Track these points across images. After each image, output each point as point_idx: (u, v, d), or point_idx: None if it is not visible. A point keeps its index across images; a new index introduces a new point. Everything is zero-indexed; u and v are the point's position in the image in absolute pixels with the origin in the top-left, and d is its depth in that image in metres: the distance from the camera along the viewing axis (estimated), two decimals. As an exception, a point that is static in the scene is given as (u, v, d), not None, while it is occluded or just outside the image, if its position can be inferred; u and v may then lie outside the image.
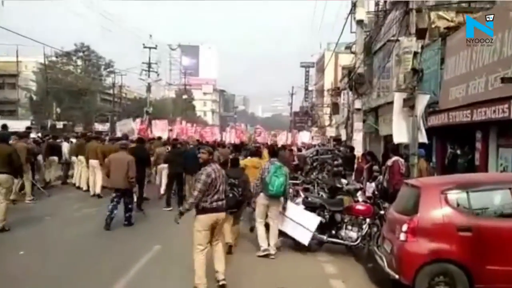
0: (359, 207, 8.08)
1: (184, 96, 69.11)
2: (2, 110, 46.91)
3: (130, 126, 26.04)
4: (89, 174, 14.08)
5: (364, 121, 18.78)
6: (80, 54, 58.14)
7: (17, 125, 24.28)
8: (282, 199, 7.98)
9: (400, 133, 9.26)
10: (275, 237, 7.90)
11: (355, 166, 14.74)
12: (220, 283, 6.10)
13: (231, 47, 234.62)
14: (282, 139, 31.19)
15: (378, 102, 20.06)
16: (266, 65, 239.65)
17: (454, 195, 5.66)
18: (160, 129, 24.07)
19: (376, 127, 19.62)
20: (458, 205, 5.63)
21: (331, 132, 40.05)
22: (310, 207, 8.42)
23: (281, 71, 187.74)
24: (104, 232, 9.27)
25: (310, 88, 61.54)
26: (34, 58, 54.93)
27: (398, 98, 9.23)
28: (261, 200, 7.89)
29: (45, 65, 48.79)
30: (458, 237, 5.43)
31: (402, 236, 5.64)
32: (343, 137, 28.38)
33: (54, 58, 53.25)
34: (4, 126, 12.61)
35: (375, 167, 12.20)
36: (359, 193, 8.72)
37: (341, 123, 34.76)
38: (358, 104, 17.00)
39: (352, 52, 17.74)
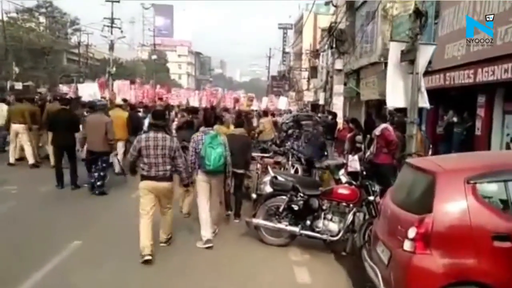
0: (342, 191, 6.21)
1: (154, 57, 65.47)
2: (-44, 70, 43.54)
3: (92, 90, 23.45)
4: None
5: (345, 84, 16.93)
6: (43, 10, 54.63)
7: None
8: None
9: (395, 95, 7.29)
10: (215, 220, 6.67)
11: (335, 135, 12.93)
12: (161, 244, 6.18)
13: (206, 8, 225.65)
14: (255, 104, 29.04)
15: (360, 63, 18.16)
16: (244, 27, 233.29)
17: (486, 186, 3.84)
18: (121, 92, 21.66)
19: (358, 91, 17.78)
20: (492, 200, 3.83)
21: (309, 96, 38.27)
22: (280, 190, 6.57)
23: (260, 33, 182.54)
24: (16, 219, 7.25)
25: (287, 50, 59.14)
26: (-8, 14, 51.12)
27: (394, 49, 7.19)
28: (200, 177, 6.48)
29: (3, 22, 45.35)
30: (492, 248, 3.65)
31: (408, 245, 3.83)
32: (321, 102, 26.54)
33: (14, 14, 49.77)
34: None
35: (358, 137, 10.42)
36: (341, 172, 6.83)
37: (319, 88, 33.00)
38: (339, 65, 15.11)
39: (333, 5, 15.62)
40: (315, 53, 32.98)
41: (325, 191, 6.39)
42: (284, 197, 6.43)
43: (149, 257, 5.52)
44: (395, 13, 15.87)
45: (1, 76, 43.70)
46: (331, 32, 14.87)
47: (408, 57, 6.92)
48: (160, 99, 22.27)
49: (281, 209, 6.39)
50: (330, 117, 15.13)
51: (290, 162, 11.54)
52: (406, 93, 7.14)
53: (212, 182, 6.47)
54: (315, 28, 44.73)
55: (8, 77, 42.62)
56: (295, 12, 66.63)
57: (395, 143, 7.80)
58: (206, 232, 6.29)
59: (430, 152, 8.82)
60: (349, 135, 10.58)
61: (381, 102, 16.22)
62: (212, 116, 7.44)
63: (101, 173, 9.05)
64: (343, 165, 7.45)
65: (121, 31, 37.60)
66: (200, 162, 6.31)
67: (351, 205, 6.13)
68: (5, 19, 45.63)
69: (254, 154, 9.17)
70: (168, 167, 5.85)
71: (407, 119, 7.41)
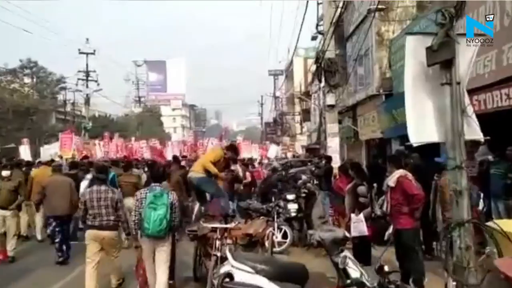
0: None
1: (138, 109, 64.13)
2: None
3: (54, 150, 20.70)
4: None
5: (340, 122, 14.40)
6: (27, 71, 53.51)
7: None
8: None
9: (421, 124, 4.01)
10: None
11: (332, 185, 10.20)
12: None
13: (199, 61, 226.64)
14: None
15: (356, 98, 15.76)
16: (238, 77, 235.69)
17: None
18: (65, 146, 18.80)
19: (356, 129, 15.22)
20: None
21: (302, 141, 35.98)
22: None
23: (254, 82, 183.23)
24: None
25: (278, 94, 57.85)
26: (-25, 77, 49.91)
27: (414, 48, 3.94)
28: (143, 242, 5.85)
29: (-17, 84, 43.80)
30: None
31: None
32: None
33: (-3, 77, 48.51)
34: None
35: (361, 188, 7.55)
36: (344, 254, 3.99)
37: (313, 131, 30.84)
38: (330, 100, 12.59)
39: (319, 32, 13.36)
40: (306, 94, 31.01)
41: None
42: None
43: None
44: (391, 37, 13.65)
45: (-23, 139, 41.63)
46: (318, 63, 12.51)
47: (442, 56, 3.66)
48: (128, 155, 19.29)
49: None
50: (323, 161, 12.31)
51: (276, 224, 9.13)
52: (439, 119, 4.01)
53: (156, 246, 5.73)
54: (305, 72, 43.55)
55: (-14, 141, 40.59)
56: (285, 56, 65.74)
57: (421, 199, 5.13)
58: None
59: (480, 207, 6.05)
60: (348, 186, 7.71)
61: (384, 141, 13.67)
62: (159, 170, 6.41)
63: (68, 240, 8.57)
64: (346, 241, 4.60)
65: (98, 84, 35.54)
66: (141, 225, 5.65)
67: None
68: (-14, 81, 44.39)
69: (214, 225, 6.39)
70: (112, 217, 6.29)
71: (441, 159, 4.47)
